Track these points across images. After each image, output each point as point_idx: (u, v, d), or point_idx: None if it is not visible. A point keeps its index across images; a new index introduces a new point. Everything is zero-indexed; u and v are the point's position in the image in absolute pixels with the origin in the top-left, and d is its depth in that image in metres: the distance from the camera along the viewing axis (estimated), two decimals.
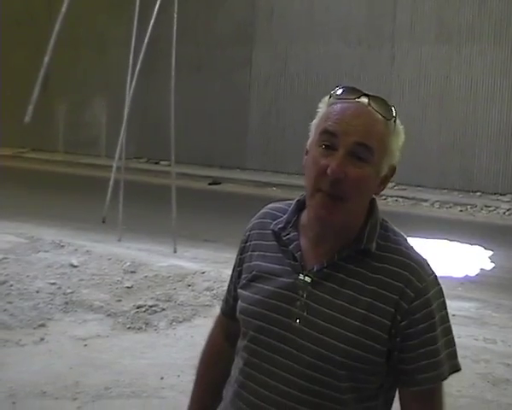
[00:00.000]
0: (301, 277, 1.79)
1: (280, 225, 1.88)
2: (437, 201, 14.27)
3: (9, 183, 12.90)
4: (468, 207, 13.88)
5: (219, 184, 15.72)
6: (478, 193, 14.86)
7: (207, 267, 7.86)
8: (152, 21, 9.06)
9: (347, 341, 1.71)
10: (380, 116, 1.74)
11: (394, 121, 1.77)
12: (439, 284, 1.78)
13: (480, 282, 8.55)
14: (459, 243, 10.56)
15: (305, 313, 1.76)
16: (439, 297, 1.77)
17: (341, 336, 1.71)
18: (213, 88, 17.35)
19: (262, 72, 17.05)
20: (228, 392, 1.91)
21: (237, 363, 1.90)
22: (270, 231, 1.90)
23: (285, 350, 1.77)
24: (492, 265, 9.43)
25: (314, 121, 1.80)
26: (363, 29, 15.84)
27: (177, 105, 9.08)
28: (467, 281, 8.55)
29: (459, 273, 8.85)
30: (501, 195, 14.58)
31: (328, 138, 1.72)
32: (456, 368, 1.78)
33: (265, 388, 1.78)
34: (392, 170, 1.80)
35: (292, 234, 1.85)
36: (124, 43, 9.54)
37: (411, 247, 1.81)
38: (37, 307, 6.29)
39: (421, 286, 1.73)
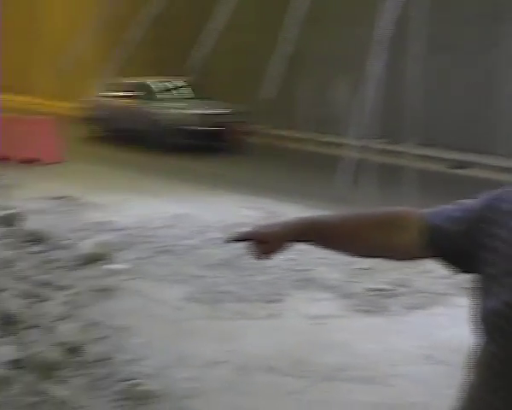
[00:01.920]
0: None
1: None
2: None
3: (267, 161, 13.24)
4: None
5: (464, 168, 14.97)
6: None
7: None
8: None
9: None
10: None
11: None
12: None
13: None
14: None
15: None
16: None
17: None
18: (460, 69, 16.58)
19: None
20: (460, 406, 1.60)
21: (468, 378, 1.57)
22: None
23: None
24: None
25: None
26: None
27: (422, 86, 8.77)
28: None
29: None
30: None
31: None
32: None
33: None
34: None
35: None
36: (371, 20, 9.37)
37: None
38: (271, 282, 6.34)
39: None
